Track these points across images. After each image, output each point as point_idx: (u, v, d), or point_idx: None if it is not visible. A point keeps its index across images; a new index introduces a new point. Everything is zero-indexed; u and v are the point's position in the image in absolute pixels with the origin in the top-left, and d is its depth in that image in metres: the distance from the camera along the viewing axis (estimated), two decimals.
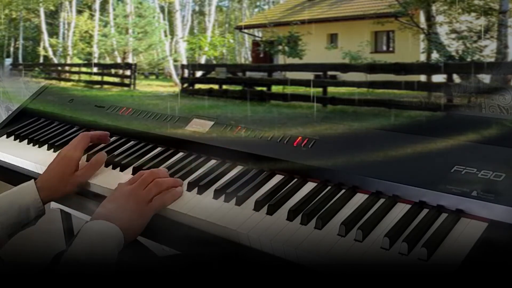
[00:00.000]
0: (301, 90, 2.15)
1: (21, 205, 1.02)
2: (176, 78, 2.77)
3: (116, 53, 2.98)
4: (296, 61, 2.22)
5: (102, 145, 1.27)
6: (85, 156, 1.20)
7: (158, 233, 1.00)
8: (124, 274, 0.91)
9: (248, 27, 2.53)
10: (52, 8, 3.12)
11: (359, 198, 0.92)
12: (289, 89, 2.21)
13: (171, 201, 0.99)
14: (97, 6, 3.00)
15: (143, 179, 1.00)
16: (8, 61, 3.25)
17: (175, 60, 2.79)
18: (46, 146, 1.34)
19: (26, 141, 1.40)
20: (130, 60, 2.91)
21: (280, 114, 1.21)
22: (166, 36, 2.80)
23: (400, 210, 0.87)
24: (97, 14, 2.99)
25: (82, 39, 3.06)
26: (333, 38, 2.14)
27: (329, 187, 0.96)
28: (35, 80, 3.10)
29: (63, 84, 3.09)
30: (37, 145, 1.36)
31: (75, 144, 1.15)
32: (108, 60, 3.01)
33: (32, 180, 1.07)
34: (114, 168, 1.16)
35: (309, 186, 0.98)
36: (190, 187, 1.03)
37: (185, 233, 0.94)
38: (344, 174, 0.96)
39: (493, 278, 0.70)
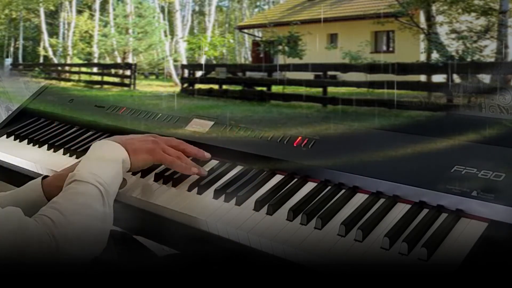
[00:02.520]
0: (301, 90, 2.15)
1: (27, 201, 1.00)
2: (176, 78, 2.77)
3: (116, 53, 2.98)
4: (296, 61, 2.22)
5: None
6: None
7: (158, 233, 1.00)
8: (124, 274, 0.91)
9: (248, 27, 2.53)
10: (52, 8, 3.12)
11: (359, 198, 0.92)
12: (289, 89, 2.21)
13: (180, 169, 1.02)
14: (97, 6, 3.00)
15: (170, 139, 1.05)
16: (8, 61, 3.25)
17: (175, 60, 2.79)
18: (46, 146, 1.34)
19: (26, 141, 1.40)
20: (130, 60, 2.91)
21: (280, 114, 1.21)
22: (166, 36, 2.80)
23: (400, 210, 0.87)
24: (97, 14, 2.99)
25: (82, 39, 3.06)
26: (333, 38, 2.14)
27: (329, 187, 0.96)
28: (35, 80, 3.10)
29: (63, 84, 3.09)
30: (37, 145, 1.36)
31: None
32: (108, 60, 3.01)
33: (41, 177, 1.05)
34: None
35: (309, 186, 0.98)
36: (190, 187, 1.03)
37: (185, 233, 0.94)
38: (344, 174, 0.96)
39: (493, 278, 0.70)
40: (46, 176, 1.05)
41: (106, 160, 0.94)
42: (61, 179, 1.05)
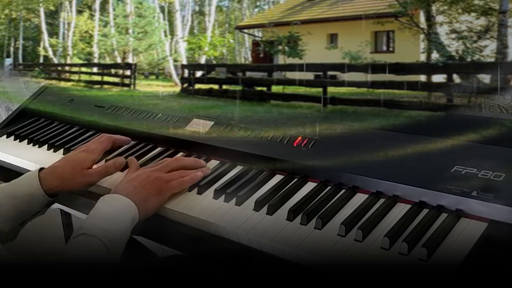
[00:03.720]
0: (301, 90, 2.15)
1: (24, 193, 1.00)
2: (176, 78, 2.77)
3: (116, 53, 2.98)
4: (296, 61, 2.22)
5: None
6: None
7: (158, 233, 1.00)
8: (124, 274, 0.91)
9: (248, 27, 2.52)
10: (52, 8, 3.11)
11: (359, 198, 0.92)
12: (289, 89, 2.21)
13: (190, 183, 1.01)
14: (97, 6, 2.99)
15: (167, 163, 1.03)
16: (8, 61, 3.25)
17: (175, 60, 2.78)
18: (46, 146, 1.34)
19: (26, 141, 1.40)
20: (130, 60, 2.91)
21: (280, 114, 1.21)
22: (166, 36, 2.79)
23: (400, 210, 0.87)
24: (97, 14, 2.99)
25: (82, 39, 3.06)
26: (333, 38, 2.13)
27: (329, 187, 0.96)
28: (35, 80, 3.10)
29: (63, 84, 3.08)
30: (37, 145, 1.36)
31: (97, 144, 1.13)
32: (108, 60, 3.01)
33: (37, 169, 1.05)
34: None
35: (309, 186, 0.98)
36: (190, 187, 1.03)
37: (185, 233, 0.94)
38: (344, 174, 0.96)
39: (493, 278, 0.70)
40: (42, 168, 1.05)
41: (116, 218, 0.89)
42: (58, 170, 1.04)
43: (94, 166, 1.10)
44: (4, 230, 0.99)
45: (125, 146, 1.24)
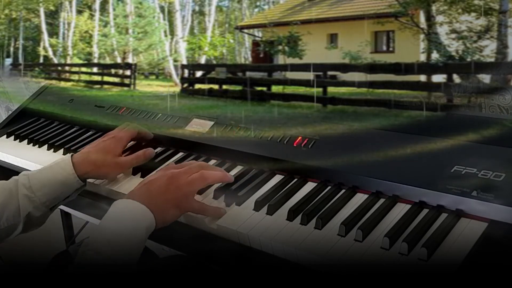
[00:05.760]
0: (301, 90, 2.15)
1: (57, 179, 1.00)
2: (176, 78, 2.77)
3: (116, 53, 2.98)
4: (296, 61, 2.22)
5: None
6: None
7: (158, 233, 1.00)
8: (124, 274, 0.91)
9: (248, 27, 2.52)
10: (52, 8, 3.11)
11: (359, 198, 0.92)
12: (289, 89, 2.21)
13: (211, 214, 0.93)
14: (97, 6, 2.99)
15: (190, 167, 0.94)
16: (8, 61, 3.25)
17: (175, 60, 2.78)
18: (46, 146, 1.34)
19: (26, 141, 1.40)
20: (130, 60, 2.91)
21: (280, 114, 1.21)
22: (166, 36, 2.79)
23: (400, 210, 0.87)
24: (97, 14, 2.99)
25: (82, 39, 3.06)
26: (333, 38, 2.13)
27: (329, 187, 0.96)
28: (35, 80, 3.10)
29: (63, 84, 3.08)
30: (37, 145, 1.36)
31: (124, 132, 1.14)
32: (108, 60, 3.01)
33: (69, 155, 1.05)
34: None
35: (309, 186, 0.98)
36: None
37: (185, 233, 0.94)
38: (344, 174, 0.96)
39: (493, 278, 0.70)
40: (72, 154, 1.05)
41: (128, 228, 0.83)
42: (91, 157, 1.05)
43: None
44: (35, 215, 0.99)
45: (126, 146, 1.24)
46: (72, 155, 1.05)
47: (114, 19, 2.94)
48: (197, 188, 0.92)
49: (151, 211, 0.85)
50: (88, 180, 1.09)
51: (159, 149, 1.22)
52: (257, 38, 2.48)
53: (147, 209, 0.85)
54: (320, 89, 2.07)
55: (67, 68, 3.18)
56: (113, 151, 1.08)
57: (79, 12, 3.06)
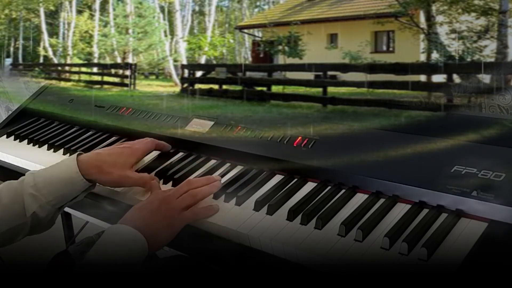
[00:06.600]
0: (301, 90, 2.15)
1: (62, 178, 0.98)
2: (176, 78, 2.77)
3: (116, 53, 2.98)
4: (296, 61, 2.22)
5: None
6: None
7: None
8: (124, 274, 0.91)
9: (248, 27, 2.52)
10: (52, 8, 3.12)
11: (359, 198, 0.92)
12: (289, 89, 2.21)
13: (205, 216, 0.94)
14: (97, 6, 3.00)
15: (178, 188, 0.95)
16: (8, 61, 3.25)
17: (175, 60, 2.79)
18: (46, 146, 1.34)
19: (26, 141, 1.40)
20: (130, 60, 2.91)
21: (280, 114, 1.21)
22: (166, 36, 2.80)
23: (400, 210, 0.87)
24: (97, 14, 2.99)
25: (82, 39, 3.06)
26: (333, 38, 2.13)
27: (329, 187, 0.96)
28: (35, 80, 3.10)
29: (63, 84, 3.08)
30: (37, 145, 1.36)
31: (141, 144, 1.11)
32: (108, 60, 3.01)
33: (75, 154, 1.03)
34: None
35: (309, 186, 0.98)
36: None
37: (185, 234, 0.94)
38: (344, 174, 0.96)
39: (493, 278, 0.70)
40: (80, 153, 1.03)
41: (120, 254, 0.83)
42: (99, 158, 1.03)
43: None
44: (41, 215, 0.97)
45: None
46: (78, 154, 1.03)
47: (114, 19, 2.94)
48: (187, 204, 0.93)
49: (144, 235, 0.85)
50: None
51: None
52: (257, 38, 2.49)
53: (139, 234, 0.85)
54: (320, 89, 2.07)
55: (67, 68, 3.19)
56: (124, 161, 1.05)
57: (79, 12, 3.06)
